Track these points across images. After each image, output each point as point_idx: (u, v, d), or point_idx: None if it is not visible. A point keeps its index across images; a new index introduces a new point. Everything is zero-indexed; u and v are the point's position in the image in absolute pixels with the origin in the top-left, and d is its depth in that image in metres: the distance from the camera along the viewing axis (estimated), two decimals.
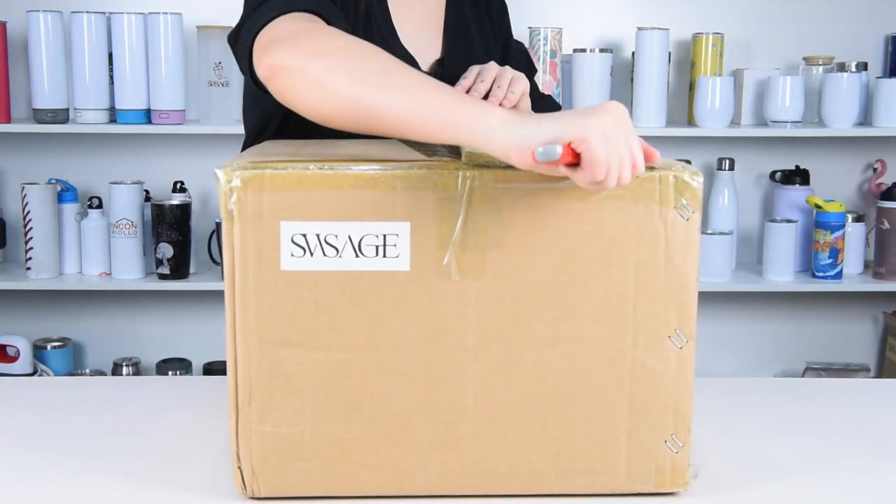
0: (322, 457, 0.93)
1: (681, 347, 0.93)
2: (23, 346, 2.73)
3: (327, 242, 0.90)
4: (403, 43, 1.35)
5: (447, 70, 1.38)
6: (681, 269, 0.92)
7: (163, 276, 2.70)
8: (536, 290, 0.91)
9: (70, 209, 2.75)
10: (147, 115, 2.68)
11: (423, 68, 1.36)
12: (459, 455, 0.94)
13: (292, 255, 0.90)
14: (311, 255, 0.90)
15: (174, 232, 2.66)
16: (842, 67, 2.84)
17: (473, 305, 0.91)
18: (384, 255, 0.90)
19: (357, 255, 0.90)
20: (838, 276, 2.76)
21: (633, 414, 0.94)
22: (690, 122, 2.85)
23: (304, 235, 0.89)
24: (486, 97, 1.21)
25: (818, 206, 2.76)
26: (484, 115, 0.87)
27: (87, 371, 2.91)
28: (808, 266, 2.82)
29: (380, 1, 1.33)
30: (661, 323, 0.93)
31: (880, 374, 3.02)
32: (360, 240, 0.90)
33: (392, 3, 1.35)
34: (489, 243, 0.90)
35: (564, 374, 0.93)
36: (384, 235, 0.90)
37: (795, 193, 2.86)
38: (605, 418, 0.94)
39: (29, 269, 2.71)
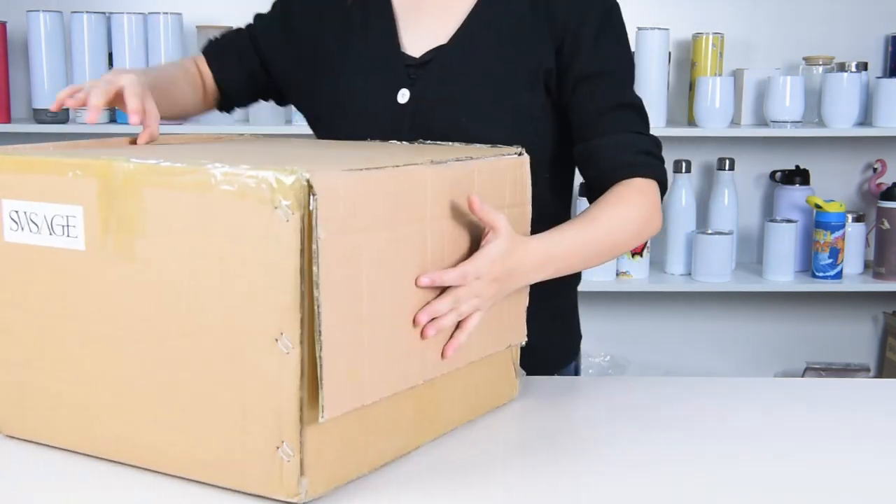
0: (34, 404, 1.06)
1: (287, 353, 0.89)
2: None
3: (32, 220, 1.02)
4: (400, 21, 1.34)
5: (437, 60, 1.31)
6: (284, 271, 0.88)
7: None
8: (173, 280, 0.95)
9: None
10: None
11: (407, 50, 1.32)
12: (117, 422, 1.01)
13: (11, 228, 1.03)
14: (23, 230, 1.03)
15: None
16: (842, 67, 2.84)
17: (126, 288, 0.98)
18: (68, 235, 1.00)
19: (51, 233, 1.01)
20: (838, 276, 2.76)
21: (246, 415, 0.92)
22: (690, 122, 2.85)
23: (17, 212, 1.03)
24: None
25: (818, 206, 2.76)
26: None
27: None
28: (808, 266, 2.82)
29: None
30: (269, 325, 0.89)
31: (880, 374, 3.02)
32: (52, 219, 1.01)
33: None
34: (136, 231, 0.96)
35: (192, 364, 0.94)
36: (67, 216, 1.00)
37: (795, 193, 2.86)
38: (222, 414, 0.93)
39: None
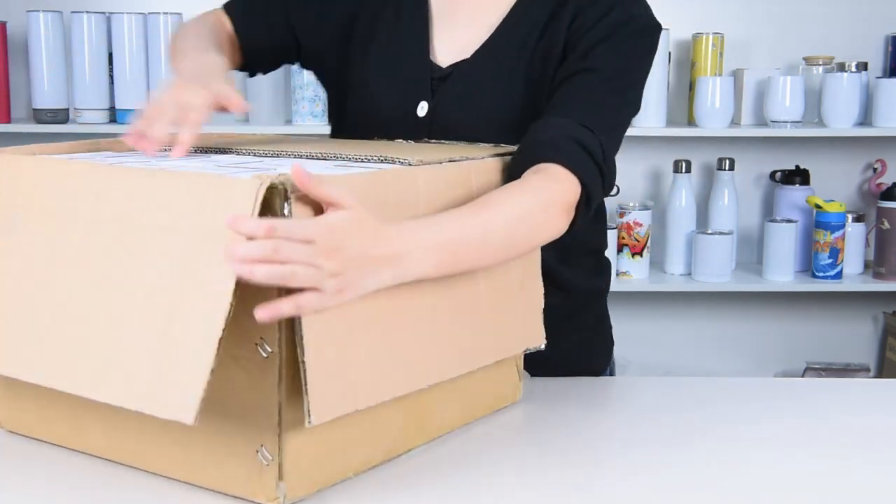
0: (31, 402, 1.05)
1: (266, 357, 0.89)
2: None
3: None
4: (435, 24, 1.30)
5: (457, 75, 1.28)
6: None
7: None
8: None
9: None
10: None
11: (435, 56, 1.29)
12: (105, 422, 0.99)
13: None
14: None
15: None
16: (842, 67, 2.84)
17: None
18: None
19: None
20: (838, 276, 2.76)
21: (227, 415, 0.91)
22: (690, 122, 2.85)
23: None
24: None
25: (818, 206, 2.76)
26: None
27: None
28: (808, 266, 2.82)
29: None
30: (249, 328, 0.87)
31: (880, 374, 3.02)
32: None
33: None
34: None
35: None
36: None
37: (795, 193, 2.86)
38: (204, 416, 0.89)
39: None
